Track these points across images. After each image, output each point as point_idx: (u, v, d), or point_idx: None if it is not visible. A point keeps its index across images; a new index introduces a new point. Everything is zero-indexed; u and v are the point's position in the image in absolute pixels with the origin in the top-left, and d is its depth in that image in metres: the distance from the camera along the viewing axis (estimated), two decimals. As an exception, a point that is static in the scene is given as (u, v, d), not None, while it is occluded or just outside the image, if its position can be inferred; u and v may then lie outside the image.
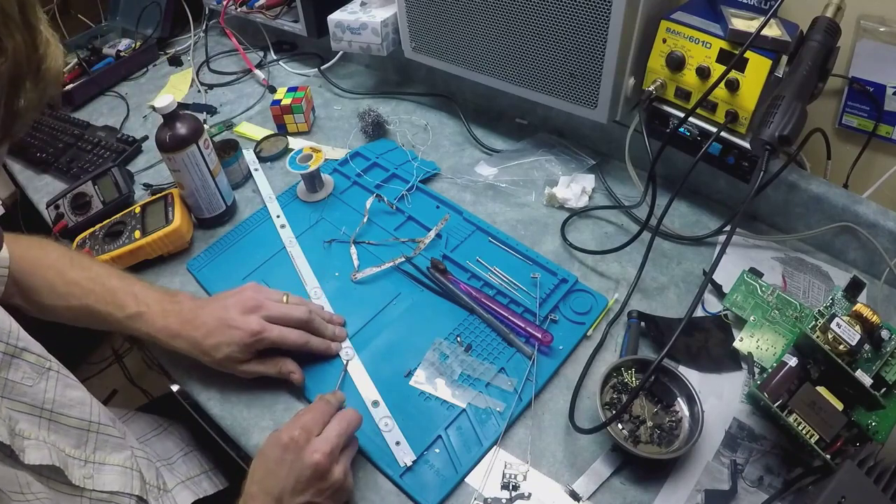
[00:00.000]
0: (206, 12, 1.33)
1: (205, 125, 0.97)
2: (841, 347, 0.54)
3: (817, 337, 0.56)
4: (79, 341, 1.61)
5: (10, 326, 0.51)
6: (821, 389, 0.55)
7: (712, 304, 0.71)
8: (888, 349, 0.55)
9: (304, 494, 0.51)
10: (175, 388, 0.69)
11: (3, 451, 0.46)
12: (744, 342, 0.66)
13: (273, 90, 1.15)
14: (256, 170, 0.95)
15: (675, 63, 0.70)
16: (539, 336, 0.66)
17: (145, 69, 1.30)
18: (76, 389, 0.55)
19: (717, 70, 0.67)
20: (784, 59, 0.64)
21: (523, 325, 0.67)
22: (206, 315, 0.62)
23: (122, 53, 1.26)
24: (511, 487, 0.57)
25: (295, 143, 1.01)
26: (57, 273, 0.64)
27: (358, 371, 0.66)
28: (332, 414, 0.55)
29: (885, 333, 0.55)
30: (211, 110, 1.13)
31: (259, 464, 0.53)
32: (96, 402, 0.57)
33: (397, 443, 0.60)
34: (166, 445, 0.75)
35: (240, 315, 0.61)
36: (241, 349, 0.61)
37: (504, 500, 0.56)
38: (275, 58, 1.25)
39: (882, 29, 0.67)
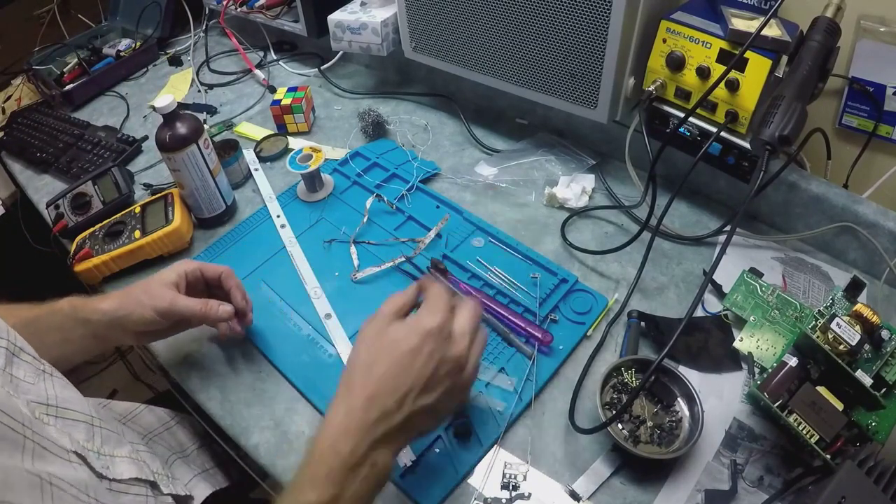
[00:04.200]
0: (206, 12, 1.33)
1: (205, 125, 0.97)
2: (841, 347, 0.54)
3: (817, 337, 0.56)
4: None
5: (7, 327, 0.51)
6: (821, 389, 0.55)
7: (712, 304, 0.71)
8: (888, 349, 0.55)
9: (434, 393, 0.47)
10: (174, 388, 0.69)
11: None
12: (744, 342, 0.66)
13: (273, 90, 1.15)
14: (256, 170, 0.95)
15: (675, 63, 0.70)
16: (539, 336, 0.66)
17: (145, 69, 1.30)
18: (70, 390, 0.55)
19: (717, 70, 0.67)
20: (784, 59, 0.64)
21: (523, 325, 0.67)
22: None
23: (122, 53, 1.27)
24: (511, 487, 0.57)
25: (295, 143, 1.01)
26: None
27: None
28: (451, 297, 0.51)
29: (885, 333, 0.55)
30: (211, 110, 1.13)
31: (378, 356, 0.47)
32: (90, 403, 0.57)
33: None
34: (179, 438, 0.76)
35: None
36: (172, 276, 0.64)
37: (504, 500, 0.56)
38: (275, 58, 1.25)
39: (882, 29, 0.67)
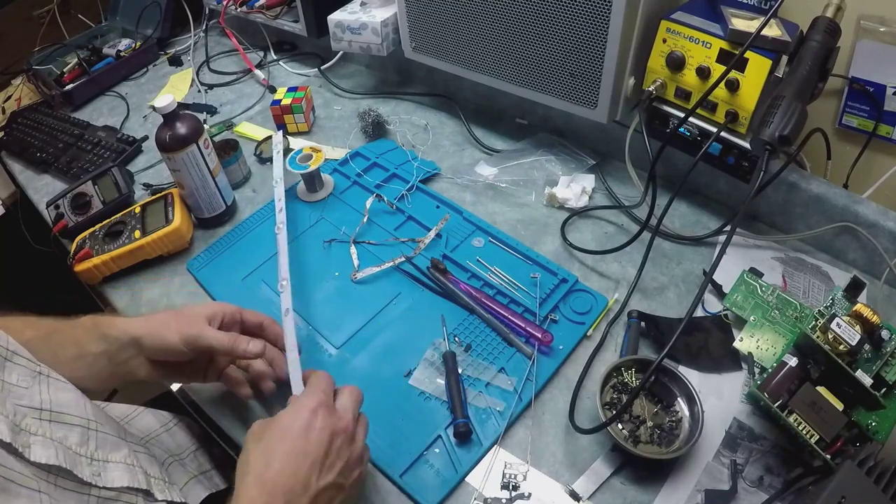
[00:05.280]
0: (206, 12, 1.33)
1: (205, 125, 0.97)
2: (841, 347, 0.54)
3: (817, 337, 0.56)
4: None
5: None
6: (821, 389, 0.55)
7: (712, 304, 0.71)
8: (888, 349, 0.55)
9: (334, 469, 0.48)
10: (175, 387, 0.69)
11: (6, 448, 0.46)
12: (744, 342, 0.66)
13: (273, 90, 1.15)
14: (278, 152, 0.88)
15: (675, 63, 0.70)
16: (539, 336, 0.66)
17: (145, 69, 1.30)
18: (68, 391, 0.54)
19: (717, 70, 0.67)
20: (784, 59, 0.64)
21: (523, 325, 0.67)
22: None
23: (122, 53, 1.27)
24: (511, 487, 0.57)
25: (295, 143, 1.01)
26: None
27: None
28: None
29: (885, 333, 0.55)
30: (211, 110, 1.13)
31: (271, 445, 0.47)
32: (89, 402, 0.56)
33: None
34: (177, 441, 0.76)
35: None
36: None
37: (504, 500, 0.56)
38: (275, 58, 1.25)
39: (882, 29, 0.67)
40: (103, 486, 0.52)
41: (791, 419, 0.54)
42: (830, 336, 0.55)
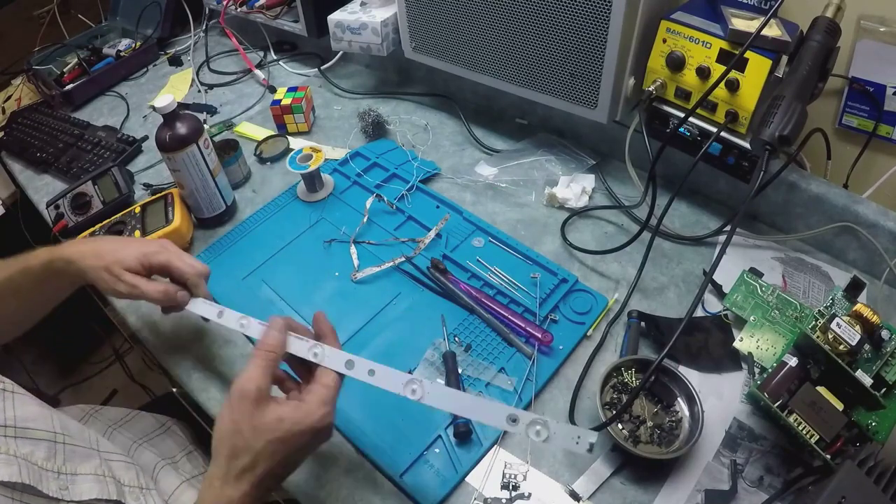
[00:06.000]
0: (206, 12, 1.33)
1: (205, 125, 0.97)
2: (841, 347, 0.54)
3: (817, 337, 0.56)
4: (78, 342, 1.61)
5: None
6: (821, 389, 0.55)
7: (712, 304, 0.71)
8: (888, 349, 0.55)
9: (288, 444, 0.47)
10: (175, 389, 0.69)
11: None
12: (744, 342, 0.66)
13: (273, 90, 1.15)
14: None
15: (675, 63, 0.70)
16: (539, 336, 0.66)
17: (145, 69, 1.30)
18: (33, 405, 0.54)
19: (717, 70, 0.67)
20: (784, 59, 0.64)
21: (523, 325, 0.67)
22: (115, 237, 0.68)
23: (122, 53, 1.26)
24: (511, 487, 0.57)
25: (295, 143, 1.01)
26: None
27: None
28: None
29: (885, 333, 0.55)
30: (211, 110, 1.13)
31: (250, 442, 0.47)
32: (56, 415, 0.56)
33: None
34: (170, 444, 0.76)
35: (145, 241, 0.67)
36: (134, 254, 0.62)
37: (504, 500, 0.56)
38: (275, 58, 1.25)
39: (882, 29, 0.67)
40: (70, 499, 0.51)
41: (791, 419, 0.54)
42: (830, 336, 0.55)
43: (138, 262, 0.62)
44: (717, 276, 0.65)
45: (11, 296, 0.64)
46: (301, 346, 0.52)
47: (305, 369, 0.54)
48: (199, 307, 0.64)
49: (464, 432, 0.59)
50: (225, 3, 1.19)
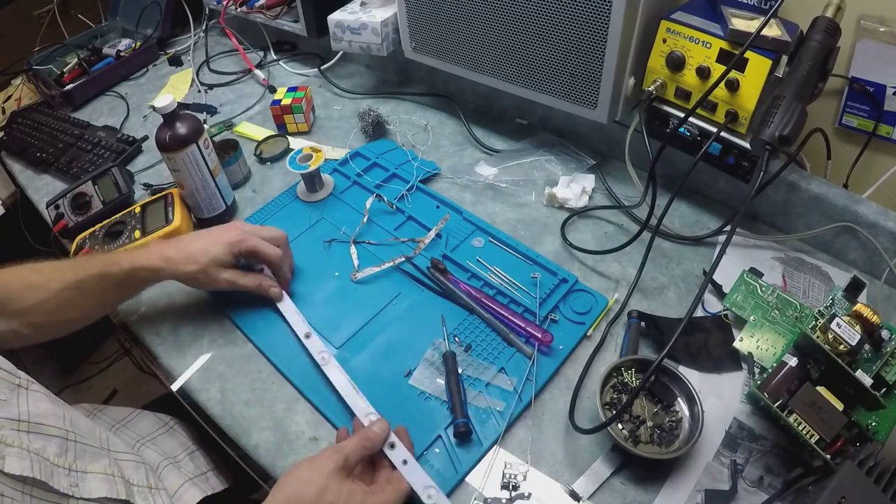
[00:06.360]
0: (206, 12, 1.33)
1: (205, 125, 0.97)
2: (841, 347, 0.54)
3: (817, 337, 0.56)
4: (78, 342, 1.61)
5: None
6: (821, 389, 0.55)
7: (712, 304, 0.71)
8: (888, 349, 0.55)
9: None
10: (175, 387, 0.69)
11: None
12: (744, 342, 0.66)
13: (273, 90, 1.15)
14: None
15: (675, 63, 0.70)
16: (539, 336, 0.66)
17: (145, 69, 1.30)
18: (47, 402, 0.54)
19: (717, 70, 0.67)
20: (784, 59, 0.64)
21: (523, 325, 0.67)
22: (192, 234, 0.71)
23: (122, 53, 1.26)
24: (511, 487, 0.57)
25: (295, 143, 1.01)
26: (29, 271, 0.63)
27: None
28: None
29: (885, 333, 0.55)
30: (211, 110, 1.13)
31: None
32: (68, 412, 0.56)
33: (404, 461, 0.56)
34: (172, 443, 0.76)
35: (222, 229, 0.71)
36: (224, 249, 0.67)
37: (504, 500, 0.56)
38: (275, 58, 1.25)
39: (882, 29, 0.67)
40: (80, 496, 0.52)
41: (791, 419, 0.54)
42: (830, 336, 0.55)
43: (231, 256, 0.68)
44: (717, 276, 0.65)
45: (85, 297, 0.65)
46: (395, 454, 0.56)
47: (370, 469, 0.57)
48: (291, 315, 0.70)
49: (464, 432, 0.59)
50: (225, 3, 1.19)
